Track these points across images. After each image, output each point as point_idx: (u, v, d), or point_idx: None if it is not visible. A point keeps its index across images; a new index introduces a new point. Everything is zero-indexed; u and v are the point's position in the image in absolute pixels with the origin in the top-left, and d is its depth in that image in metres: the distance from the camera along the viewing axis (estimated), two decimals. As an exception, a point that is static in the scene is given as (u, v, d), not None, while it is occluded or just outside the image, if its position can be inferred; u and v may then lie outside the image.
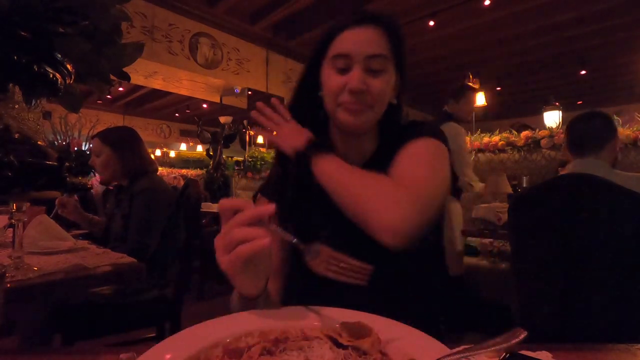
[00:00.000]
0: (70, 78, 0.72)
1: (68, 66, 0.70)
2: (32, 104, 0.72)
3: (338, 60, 0.68)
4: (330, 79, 0.69)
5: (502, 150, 3.43)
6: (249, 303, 0.51)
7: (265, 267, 0.50)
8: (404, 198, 0.57)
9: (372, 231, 0.57)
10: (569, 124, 1.72)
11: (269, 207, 0.46)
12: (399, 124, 0.77)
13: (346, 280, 0.51)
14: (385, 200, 0.57)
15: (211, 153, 5.94)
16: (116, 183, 1.82)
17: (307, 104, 0.77)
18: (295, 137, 0.72)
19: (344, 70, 0.67)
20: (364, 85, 0.65)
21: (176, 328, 1.57)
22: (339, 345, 0.42)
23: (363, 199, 0.58)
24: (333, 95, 0.68)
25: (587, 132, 1.58)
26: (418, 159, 0.66)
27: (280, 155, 0.77)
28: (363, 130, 0.72)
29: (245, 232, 0.44)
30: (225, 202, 0.48)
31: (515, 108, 10.09)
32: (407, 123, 0.77)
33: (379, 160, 0.72)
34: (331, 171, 0.65)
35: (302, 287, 0.73)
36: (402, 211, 0.55)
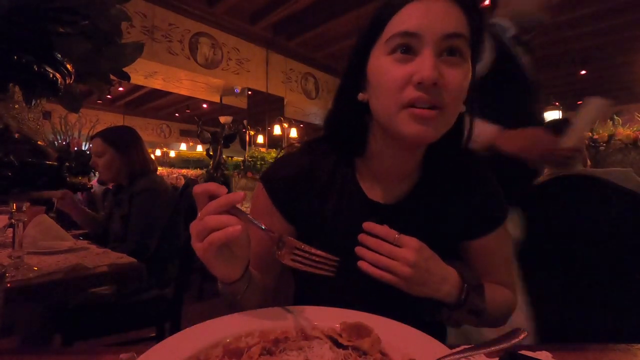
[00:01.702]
0: (70, 78, 0.72)
1: (68, 66, 0.70)
2: (32, 104, 0.72)
3: (400, 40, 0.51)
4: (388, 69, 0.52)
5: (502, 150, 3.43)
6: (229, 287, 0.52)
7: (241, 252, 0.50)
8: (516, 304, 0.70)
9: None
10: None
11: (240, 194, 0.46)
12: (458, 142, 0.63)
13: (312, 271, 0.49)
14: (509, 314, 0.68)
15: (211, 153, 5.94)
16: (114, 182, 1.81)
17: (347, 109, 0.61)
18: (438, 282, 0.54)
19: (406, 58, 0.51)
20: (438, 75, 0.49)
21: (176, 328, 1.56)
22: (339, 345, 0.42)
23: (498, 321, 0.66)
24: (392, 92, 0.51)
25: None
26: (508, 258, 0.71)
27: (311, 147, 0.67)
28: (430, 142, 0.55)
29: (218, 219, 0.45)
30: (199, 187, 0.47)
31: (515, 108, 10.08)
32: (462, 152, 0.65)
33: (425, 192, 0.64)
34: (483, 310, 0.57)
35: (302, 286, 0.73)
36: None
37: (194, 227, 0.46)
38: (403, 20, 0.51)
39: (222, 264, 0.49)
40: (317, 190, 0.64)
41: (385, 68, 0.53)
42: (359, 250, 0.54)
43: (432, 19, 0.50)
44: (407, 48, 0.51)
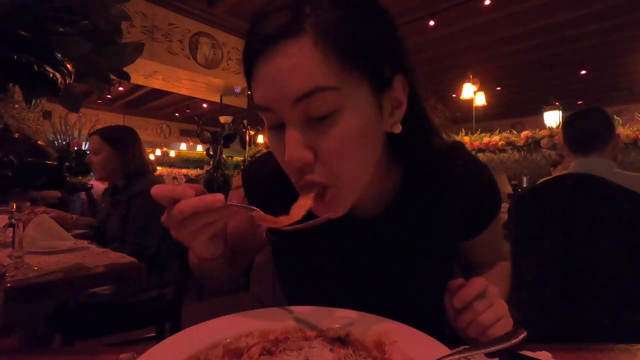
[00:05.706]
0: (70, 78, 0.72)
1: (68, 66, 0.70)
2: (32, 104, 0.72)
3: (265, 116, 0.45)
4: (272, 145, 0.47)
5: (502, 150, 3.44)
6: (209, 263, 0.55)
7: (219, 232, 0.51)
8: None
9: None
10: (567, 121, 1.65)
11: (220, 196, 0.42)
12: (426, 148, 0.54)
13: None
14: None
15: (211, 153, 5.94)
16: (109, 182, 1.81)
17: None
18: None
19: (278, 132, 0.45)
20: (308, 153, 0.42)
21: (176, 328, 1.56)
22: (342, 344, 0.42)
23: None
24: (286, 170, 0.48)
25: (589, 130, 1.51)
26: (501, 237, 0.71)
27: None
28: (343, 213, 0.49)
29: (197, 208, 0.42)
30: (158, 191, 0.43)
31: (515, 108, 10.09)
32: (448, 146, 0.57)
33: (409, 201, 0.57)
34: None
35: (305, 287, 0.73)
36: None
37: (169, 220, 0.44)
38: (255, 91, 0.44)
39: (206, 244, 0.50)
40: (291, 197, 0.49)
41: (270, 143, 0.48)
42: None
43: (275, 87, 0.41)
44: (274, 120, 0.44)
